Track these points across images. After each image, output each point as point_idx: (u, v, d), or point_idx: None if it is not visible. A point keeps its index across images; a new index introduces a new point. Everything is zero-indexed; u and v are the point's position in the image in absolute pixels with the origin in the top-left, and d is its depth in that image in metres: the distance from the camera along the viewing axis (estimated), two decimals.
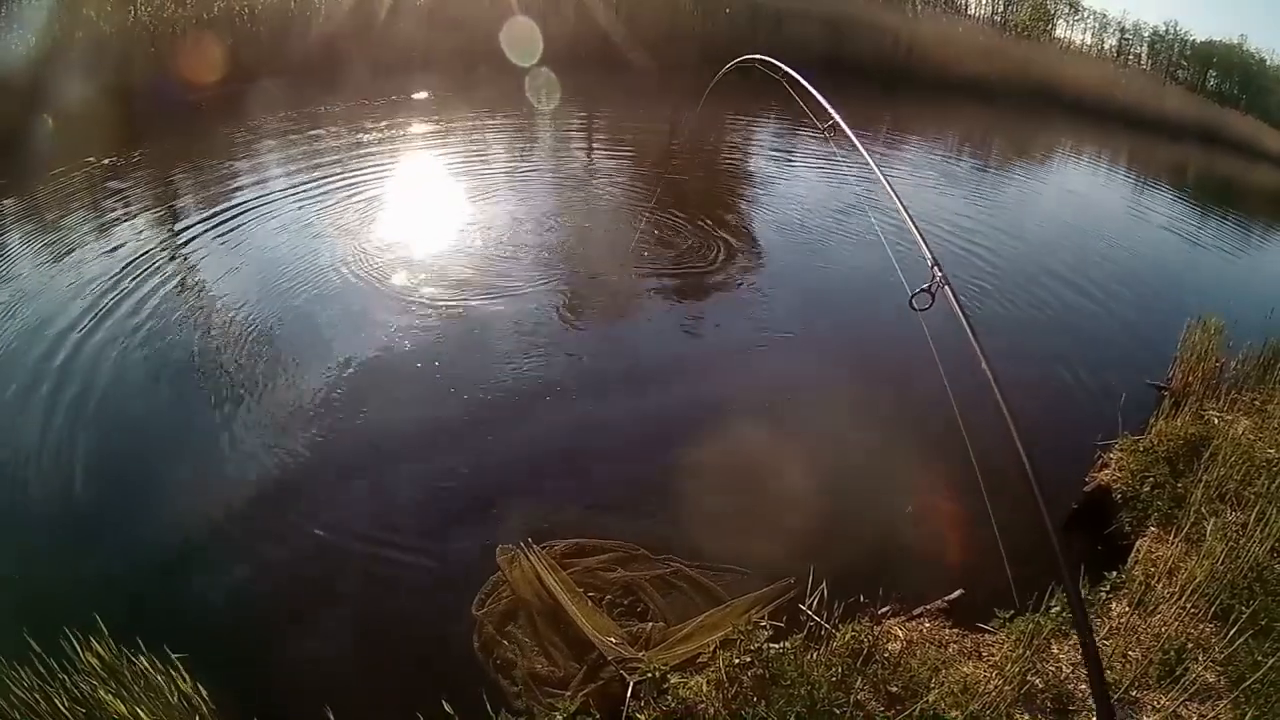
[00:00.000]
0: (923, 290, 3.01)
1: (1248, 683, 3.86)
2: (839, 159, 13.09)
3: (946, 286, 2.99)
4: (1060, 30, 40.42)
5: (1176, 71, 41.15)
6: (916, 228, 3.32)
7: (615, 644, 4.24)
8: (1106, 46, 41.30)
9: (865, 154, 3.93)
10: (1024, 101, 28.38)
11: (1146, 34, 41.38)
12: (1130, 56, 41.34)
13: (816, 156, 15.63)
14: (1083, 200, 17.89)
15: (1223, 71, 40.98)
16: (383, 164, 12.92)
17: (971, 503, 5.89)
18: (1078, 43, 40.88)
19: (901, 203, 3.56)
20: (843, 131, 4.37)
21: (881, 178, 3.87)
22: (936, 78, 27.47)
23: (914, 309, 3.01)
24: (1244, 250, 17.23)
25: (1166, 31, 41.26)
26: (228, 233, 9.54)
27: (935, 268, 3.05)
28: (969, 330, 2.79)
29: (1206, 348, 7.48)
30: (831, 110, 4.55)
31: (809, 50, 25.23)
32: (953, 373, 3.25)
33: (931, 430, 6.49)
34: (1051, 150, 22.89)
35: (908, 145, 20.33)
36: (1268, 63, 40.87)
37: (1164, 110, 34.28)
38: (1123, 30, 41.29)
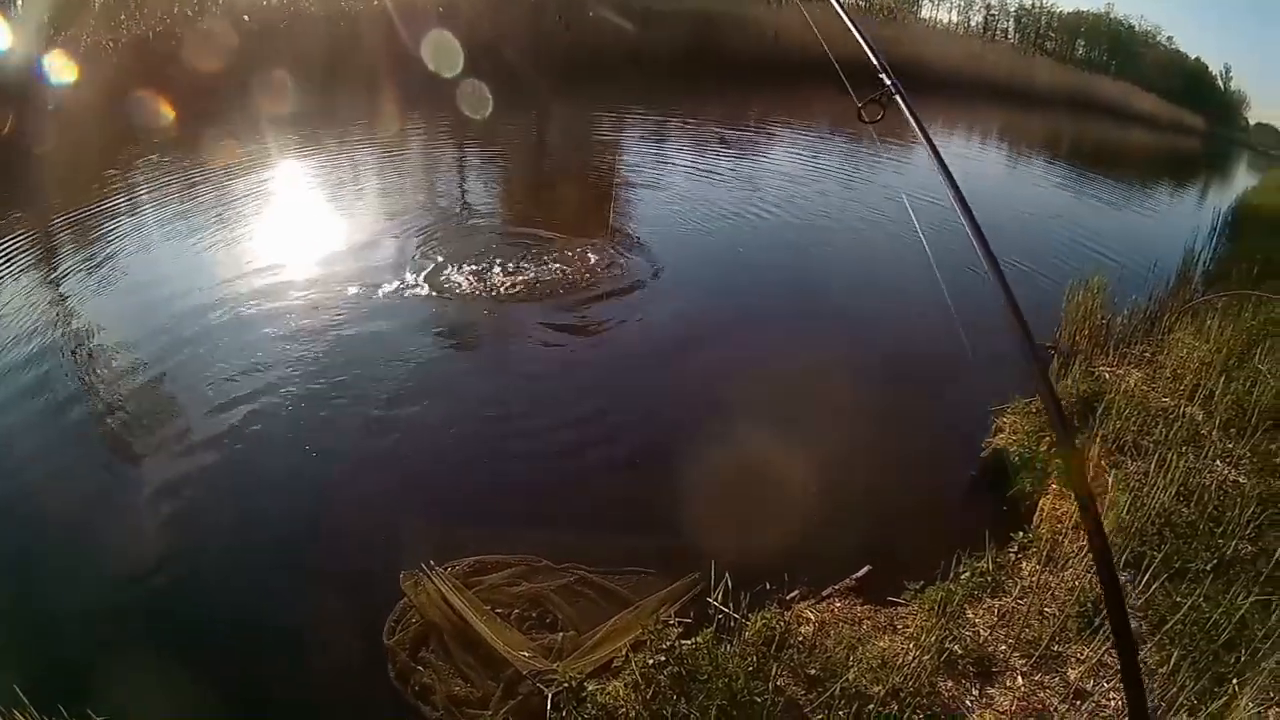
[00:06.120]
0: (872, 100, 2.89)
1: (1169, 624, 3.92)
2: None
3: (898, 95, 2.85)
4: (925, 11, 41.87)
5: (1044, 43, 42.94)
6: (863, 37, 3.09)
7: (528, 658, 4.10)
8: (972, 23, 42.84)
9: None
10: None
11: (1013, 8, 43.11)
12: (997, 32, 42.92)
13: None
14: (958, 174, 18.36)
15: (1091, 39, 42.95)
16: (257, 184, 12.48)
17: (870, 478, 5.98)
18: (944, 22, 42.33)
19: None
20: None
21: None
22: (801, 65, 27.77)
23: (864, 121, 2.90)
24: (1125, 209, 18.03)
25: (1033, 5, 43.09)
26: (96, 270, 8.97)
27: (884, 74, 2.91)
28: (924, 137, 2.74)
29: (1091, 306, 7.73)
30: None
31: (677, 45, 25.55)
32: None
33: (823, 408, 6.53)
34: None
35: (773, 138, 20.77)
36: (1136, 28, 43.01)
37: (1033, 81, 35.67)
38: (988, 6, 42.91)
